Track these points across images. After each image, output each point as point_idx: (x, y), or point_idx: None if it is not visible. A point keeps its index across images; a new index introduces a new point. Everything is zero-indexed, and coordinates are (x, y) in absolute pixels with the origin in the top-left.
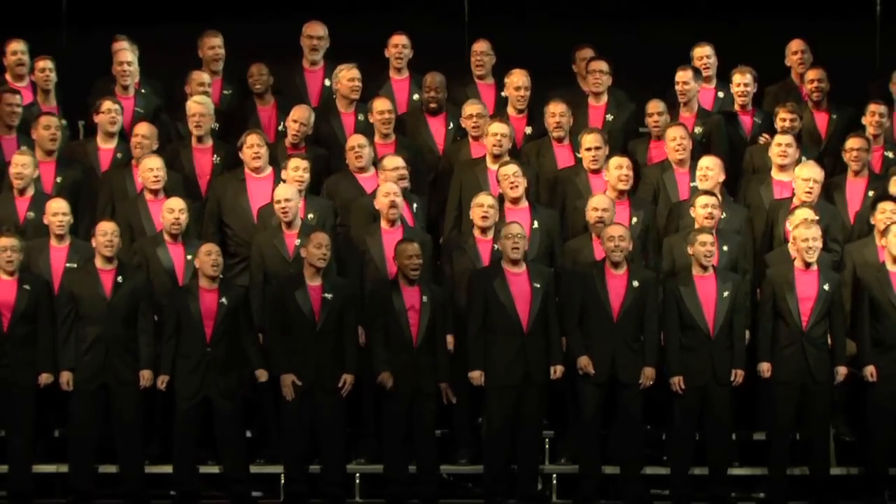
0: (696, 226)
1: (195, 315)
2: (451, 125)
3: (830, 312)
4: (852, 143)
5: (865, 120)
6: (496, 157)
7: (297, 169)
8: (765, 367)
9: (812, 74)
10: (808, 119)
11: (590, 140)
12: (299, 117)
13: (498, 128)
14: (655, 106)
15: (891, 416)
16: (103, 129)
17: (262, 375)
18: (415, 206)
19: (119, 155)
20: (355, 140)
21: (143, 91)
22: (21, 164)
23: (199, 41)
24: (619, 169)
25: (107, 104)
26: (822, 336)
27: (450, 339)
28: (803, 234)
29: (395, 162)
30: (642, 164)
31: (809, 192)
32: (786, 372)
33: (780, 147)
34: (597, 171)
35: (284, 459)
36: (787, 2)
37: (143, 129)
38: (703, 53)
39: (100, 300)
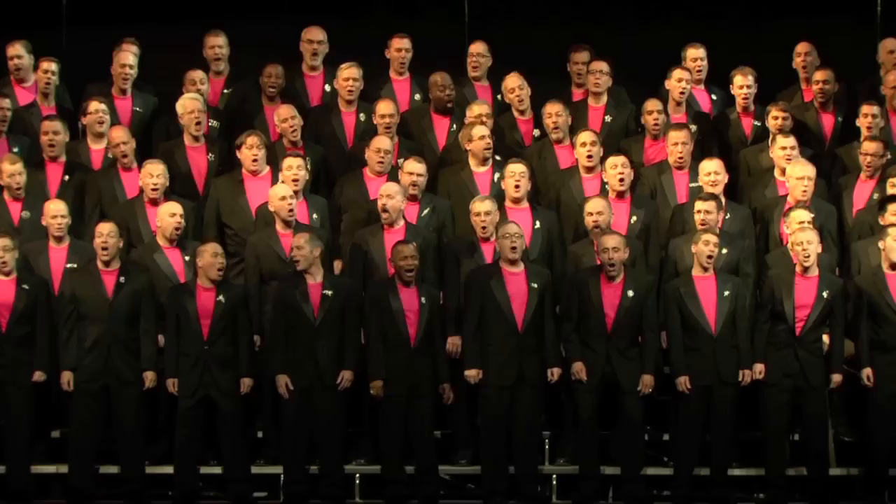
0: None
1: (192, 313)
2: (454, 126)
3: (829, 319)
4: (867, 147)
5: (860, 122)
6: (483, 160)
7: (292, 168)
8: (758, 369)
9: (819, 76)
10: (814, 120)
11: (583, 137)
12: (286, 114)
13: (480, 130)
14: (654, 104)
15: (891, 417)
16: (91, 131)
17: (245, 384)
18: (427, 209)
19: (111, 155)
20: (383, 144)
21: (134, 91)
22: (12, 172)
23: (204, 40)
24: (614, 168)
25: (93, 105)
26: (816, 341)
27: (456, 340)
28: (799, 238)
29: (411, 167)
30: (638, 163)
31: (805, 191)
32: (778, 374)
33: (785, 150)
34: (591, 170)
35: (284, 460)
36: (786, 2)
37: (121, 133)
38: (697, 55)
39: (102, 300)
